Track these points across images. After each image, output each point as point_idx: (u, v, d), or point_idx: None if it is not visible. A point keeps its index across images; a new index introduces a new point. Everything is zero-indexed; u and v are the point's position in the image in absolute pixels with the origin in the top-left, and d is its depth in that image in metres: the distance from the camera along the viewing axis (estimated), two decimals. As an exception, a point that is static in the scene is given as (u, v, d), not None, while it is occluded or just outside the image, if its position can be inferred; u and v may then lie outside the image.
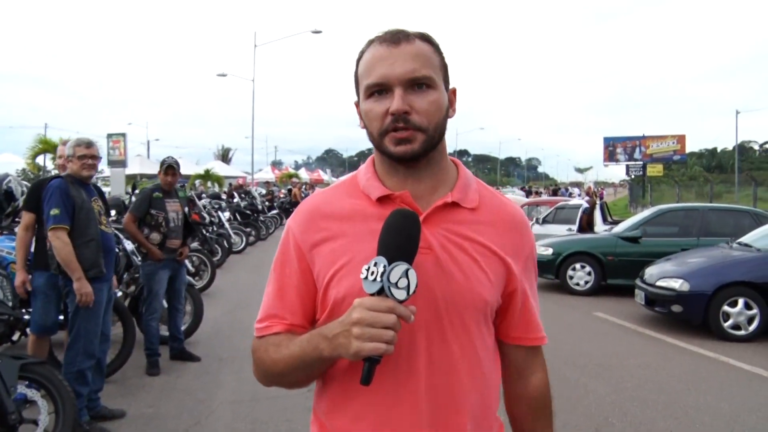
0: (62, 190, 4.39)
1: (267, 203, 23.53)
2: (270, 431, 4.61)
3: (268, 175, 49.43)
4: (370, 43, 1.35)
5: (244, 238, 16.17)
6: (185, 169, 35.71)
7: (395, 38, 1.30)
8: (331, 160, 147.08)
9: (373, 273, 1.15)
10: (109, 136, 22.64)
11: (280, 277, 1.40)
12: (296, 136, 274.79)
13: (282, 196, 29.70)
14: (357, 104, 1.39)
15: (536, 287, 1.50)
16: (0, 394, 3.61)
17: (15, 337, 5.59)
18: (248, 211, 19.14)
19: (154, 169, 24.57)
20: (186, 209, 6.34)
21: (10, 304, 3.87)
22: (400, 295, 1.14)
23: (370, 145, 1.39)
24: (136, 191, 11.05)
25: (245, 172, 45.55)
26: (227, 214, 16.40)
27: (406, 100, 1.26)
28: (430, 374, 1.30)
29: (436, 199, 1.35)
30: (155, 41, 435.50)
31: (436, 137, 1.31)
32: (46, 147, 25.59)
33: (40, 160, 26.52)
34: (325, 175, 62.68)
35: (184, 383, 5.74)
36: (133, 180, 26.08)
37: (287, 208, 26.97)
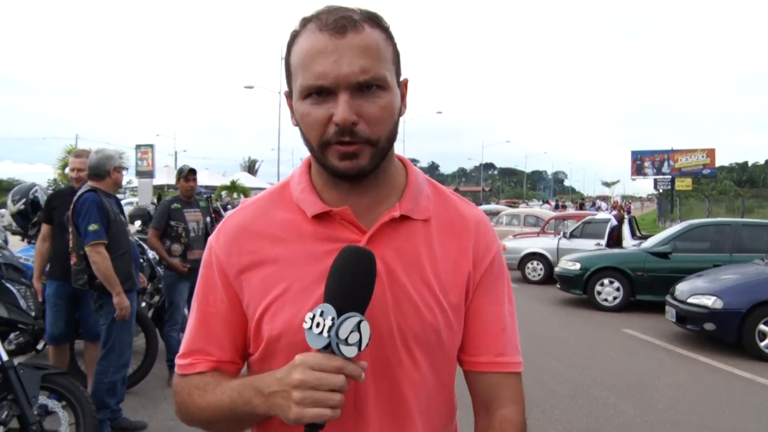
0: (97, 204, 4.35)
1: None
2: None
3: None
4: (306, 23, 1.10)
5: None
6: (212, 180, 36.16)
7: (339, 26, 1.05)
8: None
9: (319, 325, 0.97)
10: (138, 147, 22.93)
11: (203, 307, 1.20)
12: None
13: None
14: (288, 96, 1.15)
15: (510, 299, 1.26)
16: (21, 405, 3.59)
17: (39, 346, 5.62)
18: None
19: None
20: (208, 219, 6.31)
21: (33, 313, 3.84)
22: (350, 352, 0.97)
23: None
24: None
25: (271, 184, 45.80)
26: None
27: (354, 107, 1.03)
28: (379, 411, 1.13)
29: (382, 214, 1.15)
30: (184, 54, 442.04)
31: (387, 148, 1.11)
32: (75, 157, 26.06)
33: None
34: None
35: (206, 395, 5.69)
36: (159, 190, 26.35)
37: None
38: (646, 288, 10.49)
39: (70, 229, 4.45)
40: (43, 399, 3.76)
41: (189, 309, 4.74)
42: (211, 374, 1.17)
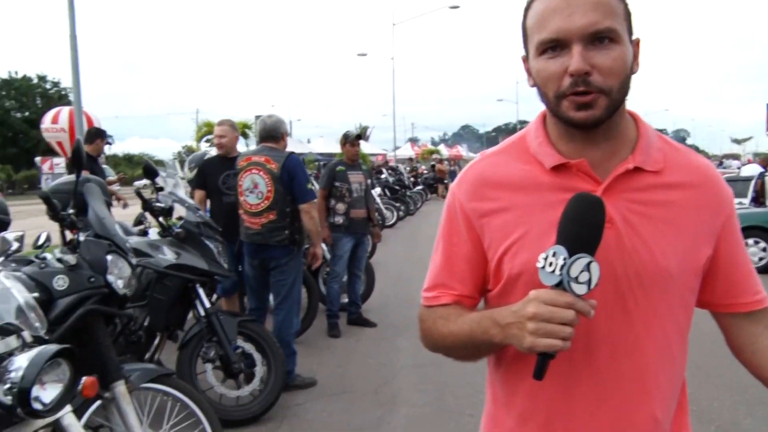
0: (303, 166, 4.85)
1: (412, 179, 23.85)
2: (456, 394, 4.75)
3: (408, 151, 49.87)
4: None
5: (395, 213, 16.53)
6: (327, 148, 37.00)
7: None
8: (467, 136, 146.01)
9: (551, 264, 1.06)
10: (256, 117, 23.91)
11: (448, 246, 1.33)
12: (432, 113, 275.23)
13: (425, 172, 29.97)
14: (525, 59, 1.24)
15: (743, 245, 1.31)
16: (224, 346, 4.00)
17: (213, 299, 6.14)
18: (397, 187, 19.53)
19: (296, 147, 25.65)
20: (369, 181, 6.65)
21: (226, 266, 4.25)
22: (580, 289, 1.05)
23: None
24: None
25: (384, 150, 46.26)
26: (378, 190, 16.83)
27: (587, 58, 1.11)
28: (613, 361, 1.20)
29: (616, 165, 1.20)
30: (297, 24, 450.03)
31: (619, 100, 1.16)
32: (210, 129, 27.63)
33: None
34: (463, 151, 62.33)
35: (364, 347, 6.05)
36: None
37: (431, 183, 27.23)
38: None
39: (259, 189, 4.71)
40: (239, 342, 4.17)
41: (348, 266, 5.17)
42: (453, 306, 1.31)
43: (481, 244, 1.28)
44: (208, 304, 4.09)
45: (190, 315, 4.24)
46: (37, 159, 30.76)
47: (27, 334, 1.85)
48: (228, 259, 4.34)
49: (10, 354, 1.77)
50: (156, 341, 4.11)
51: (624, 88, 1.17)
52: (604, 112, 1.14)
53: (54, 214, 2.85)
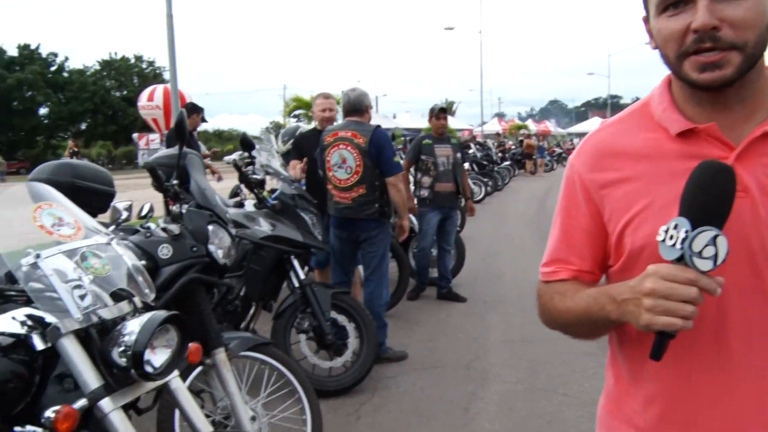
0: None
1: (499, 155, 23.48)
2: (549, 372, 4.65)
3: (495, 126, 49.19)
4: None
5: (483, 188, 16.34)
6: (413, 123, 36.98)
7: None
8: (555, 111, 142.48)
9: (672, 237, 0.98)
10: (343, 93, 24.12)
11: (566, 220, 1.27)
12: (519, 88, 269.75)
13: (512, 147, 29.46)
14: (645, 20, 1.16)
15: None
16: (318, 317, 4.05)
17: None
18: (485, 162, 19.27)
19: (382, 123, 25.82)
20: (458, 155, 6.57)
21: (321, 238, 4.29)
22: (705, 265, 0.96)
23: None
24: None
25: (470, 125, 45.80)
26: (466, 165, 16.63)
27: (715, 11, 1.00)
28: (747, 347, 1.08)
29: (751, 129, 1.09)
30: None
31: (756, 56, 1.04)
32: (299, 104, 28.20)
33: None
34: (551, 127, 60.95)
35: (454, 322, 6.00)
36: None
37: (519, 159, 26.73)
38: None
39: (348, 163, 4.75)
40: (333, 314, 4.21)
41: (437, 241, 5.15)
42: (571, 282, 1.25)
43: (601, 218, 1.21)
44: (302, 276, 4.14)
45: (284, 286, 4.32)
46: (135, 135, 32.20)
47: (137, 300, 1.90)
48: (322, 231, 4.38)
49: (123, 318, 1.82)
50: (251, 311, 4.21)
51: (761, 42, 1.05)
52: (735, 71, 1.03)
53: (159, 184, 2.93)
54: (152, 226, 2.77)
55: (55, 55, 51.29)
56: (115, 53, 54.73)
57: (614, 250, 1.21)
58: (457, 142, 6.78)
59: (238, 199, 5.45)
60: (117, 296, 1.86)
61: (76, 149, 21.69)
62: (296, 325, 4.18)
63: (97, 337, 1.77)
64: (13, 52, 48.71)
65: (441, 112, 6.54)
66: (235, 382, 2.78)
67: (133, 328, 1.73)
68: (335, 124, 5.21)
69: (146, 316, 1.77)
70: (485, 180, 17.07)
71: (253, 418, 2.81)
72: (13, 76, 46.09)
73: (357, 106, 4.89)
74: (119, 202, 2.67)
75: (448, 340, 5.47)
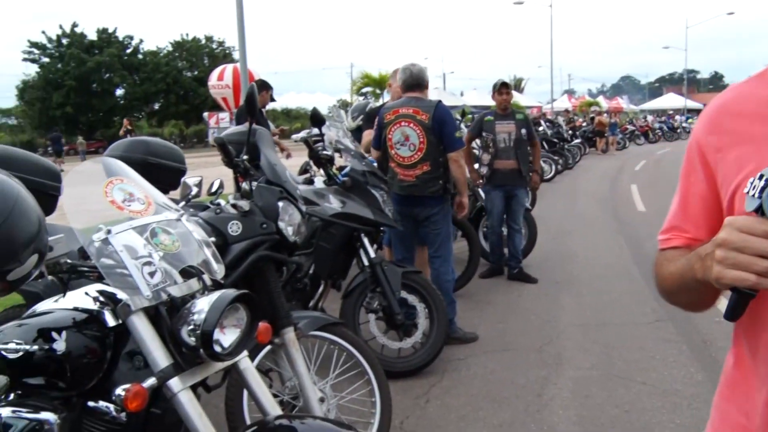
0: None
1: (570, 132, 22.86)
2: (625, 358, 4.44)
3: (564, 104, 47.97)
4: None
5: (554, 167, 15.95)
6: (481, 100, 36.49)
7: None
8: (627, 87, 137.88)
9: (755, 188, 0.92)
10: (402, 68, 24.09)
11: (685, 186, 1.22)
12: (589, 63, 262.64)
13: (583, 125, 28.67)
14: None
15: None
16: (388, 296, 3.98)
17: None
18: (555, 140, 18.79)
19: (449, 100, 25.53)
20: (523, 131, 6.35)
21: (391, 216, 4.19)
22: None
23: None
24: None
25: (539, 102, 44.83)
26: (535, 142, 16.29)
27: None
28: None
29: None
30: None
31: None
32: (368, 81, 28.34)
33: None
34: (624, 103, 59.04)
35: (525, 303, 5.84)
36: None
37: (590, 137, 25.97)
38: None
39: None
40: (403, 294, 4.13)
41: (506, 219, 4.98)
42: (681, 250, 1.18)
43: (716, 183, 1.14)
44: (372, 254, 4.07)
45: (354, 264, 4.26)
46: (205, 114, 32.79)
47: (207, 278, 1.86)
48: (393, 209, 4.28)
49: (192, 296, 1.78)
50: (320, 289, 4.17)
51: None
52: None
53: (229, 160, 2.89)
54: (222, 202, 2.74)
55: (131, 37, 52.69)
56: (187, 34, 55.99)
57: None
58: (523, 116, 6.53)
59: (307, 175, 5.41)
60: (186, 273, 1.82)
61: (130, 127, 22.31)
62: (365, 305, 4.12)
63: (167, 314, 1.74)
64: (92, 36, 50.37)
65: (503, 87, 6.36)
66: (304, 362, 2.73)
67: (202, 306, 1.68)
68: (393, 101, 5.09)
69: (216, 294, 1.72)
70: (555, 158, 16.64)
71: (322, 399, 2.76)
72: (93, 59, 47.65)
73: (419, 81, 4.77)
74: (189, 178, 2.65)
75: (519, 322, 5.33)
